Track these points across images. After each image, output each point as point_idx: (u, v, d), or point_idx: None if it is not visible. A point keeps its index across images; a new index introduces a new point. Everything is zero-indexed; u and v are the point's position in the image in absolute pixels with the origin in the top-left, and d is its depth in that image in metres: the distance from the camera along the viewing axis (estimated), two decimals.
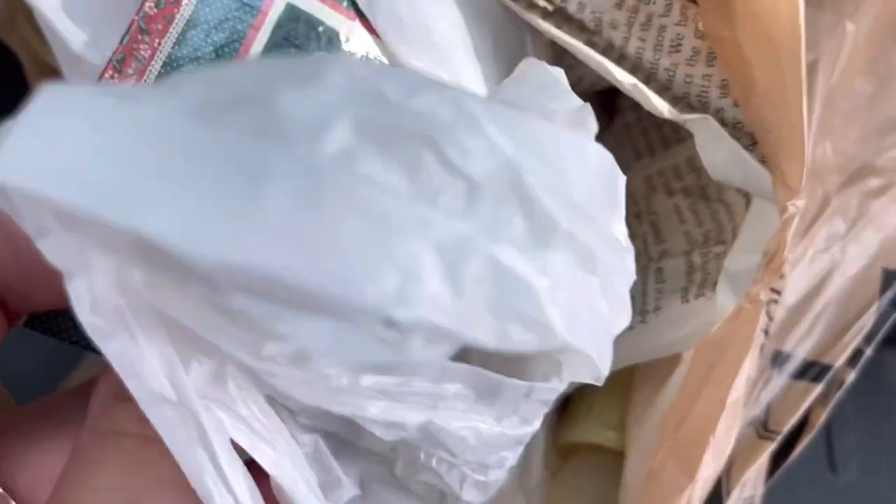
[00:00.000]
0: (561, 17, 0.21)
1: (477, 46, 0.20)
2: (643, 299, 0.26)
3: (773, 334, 0.29)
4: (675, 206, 0.27)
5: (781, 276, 0.21)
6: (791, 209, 0.19)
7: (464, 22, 0.19)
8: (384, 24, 0.19)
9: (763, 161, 0.20)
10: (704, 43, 0.21)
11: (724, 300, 0.21)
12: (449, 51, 0.19)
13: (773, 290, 0.27)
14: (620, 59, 0.21)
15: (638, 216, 0.28)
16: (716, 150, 0.20)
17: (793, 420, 0.30)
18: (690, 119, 0.19)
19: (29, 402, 0.21)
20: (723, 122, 0.21)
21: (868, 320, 0.30)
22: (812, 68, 0.25)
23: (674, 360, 0.23)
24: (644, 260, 0.27)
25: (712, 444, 0.20)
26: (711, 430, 0.20)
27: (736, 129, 0.21)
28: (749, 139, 0.20)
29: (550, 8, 0.19)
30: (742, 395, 0.21)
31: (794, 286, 0.29)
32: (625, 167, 0.29)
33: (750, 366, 0.21)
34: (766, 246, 0.21)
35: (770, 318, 0.28)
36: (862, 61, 0.27)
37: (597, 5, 0.21)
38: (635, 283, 0.27)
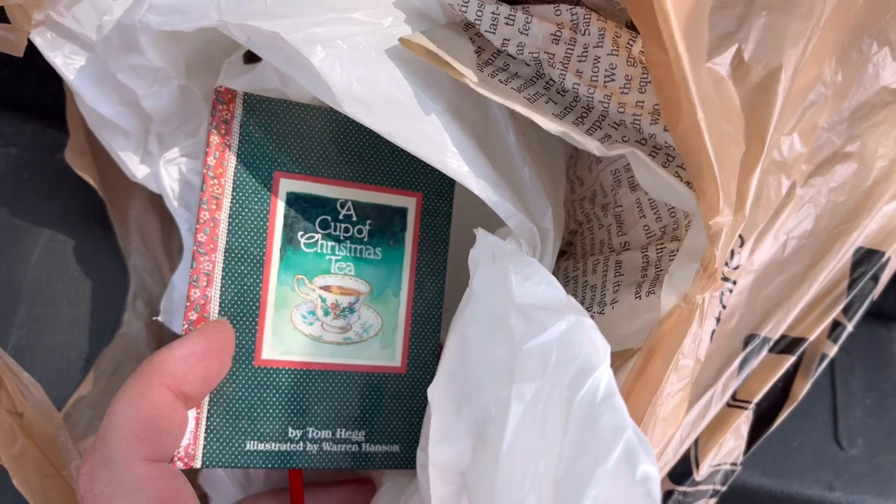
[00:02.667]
0: (502, 61, 0.22)
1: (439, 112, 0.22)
2: (603, 291, 0.28)
3: (739, 319, 0.31)
4: (637, 200, 0.28)
5: (719, 281, 0.23)
6: (714, 227, 0.21)
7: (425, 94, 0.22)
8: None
9: (689, 183, 0.21)
10: (636, 69, 0.22)
11: (667, 303, 0.23)
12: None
13: (726, 279, 0.29)
14: (561, 93, 0.23)
15: (605, 208, 0.30)
16: (646, 176, 0.21)
17: (763, 390, 0.32)
18: (618, 154, 0.21)
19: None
20: (656, 147, 0.22)
21: (841, 295, 0.32)
22: (774, 75, 0.25)
23: (623, 356, 0.25)
24: (607, 251, 0.29)
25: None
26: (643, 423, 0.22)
27: (668, 152, 0.22)
28: (681, 161, 0.22)
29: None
30: (678, 385, 0.24)
31: (763, 269, 0.31)
32: (596, 160, 0.31)
33: (683, 361, 0.23)
34: (703, 257, 0.22)
35: (724, 306, 0.30)
36: (831, 55, 0.28)
37: (535, 45, 0.22)
38: (597, 273, 0.29)
